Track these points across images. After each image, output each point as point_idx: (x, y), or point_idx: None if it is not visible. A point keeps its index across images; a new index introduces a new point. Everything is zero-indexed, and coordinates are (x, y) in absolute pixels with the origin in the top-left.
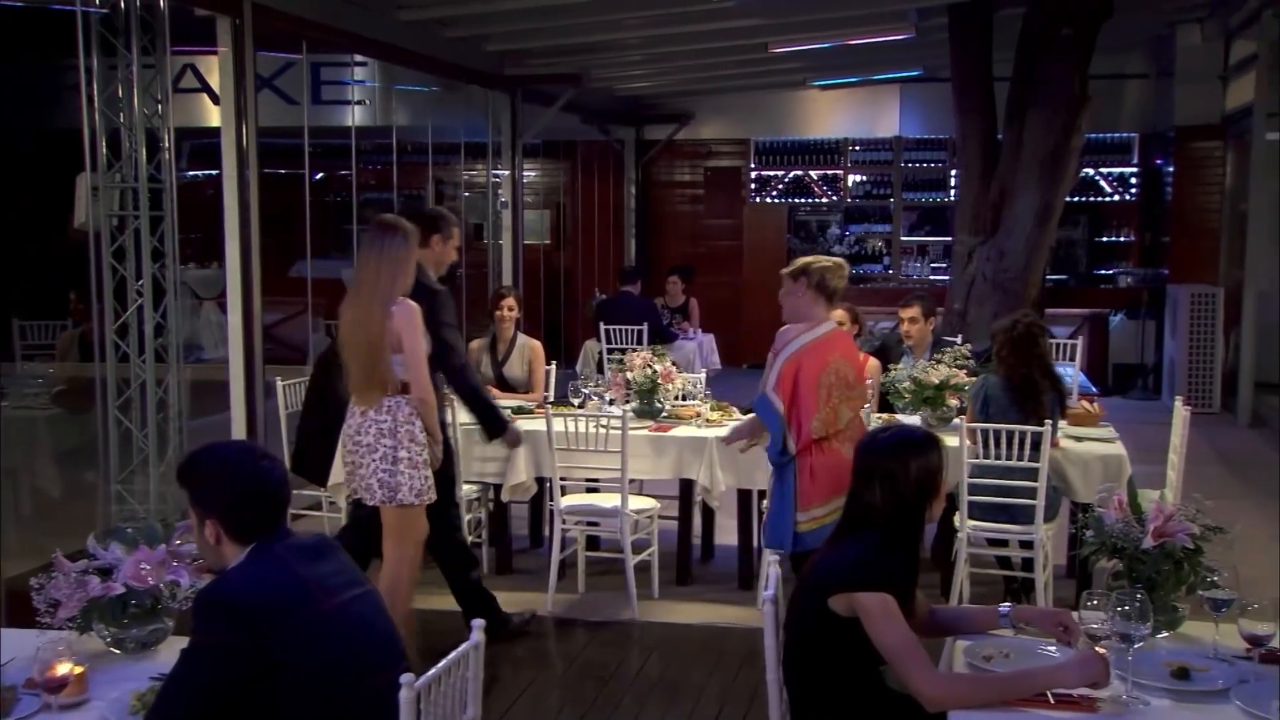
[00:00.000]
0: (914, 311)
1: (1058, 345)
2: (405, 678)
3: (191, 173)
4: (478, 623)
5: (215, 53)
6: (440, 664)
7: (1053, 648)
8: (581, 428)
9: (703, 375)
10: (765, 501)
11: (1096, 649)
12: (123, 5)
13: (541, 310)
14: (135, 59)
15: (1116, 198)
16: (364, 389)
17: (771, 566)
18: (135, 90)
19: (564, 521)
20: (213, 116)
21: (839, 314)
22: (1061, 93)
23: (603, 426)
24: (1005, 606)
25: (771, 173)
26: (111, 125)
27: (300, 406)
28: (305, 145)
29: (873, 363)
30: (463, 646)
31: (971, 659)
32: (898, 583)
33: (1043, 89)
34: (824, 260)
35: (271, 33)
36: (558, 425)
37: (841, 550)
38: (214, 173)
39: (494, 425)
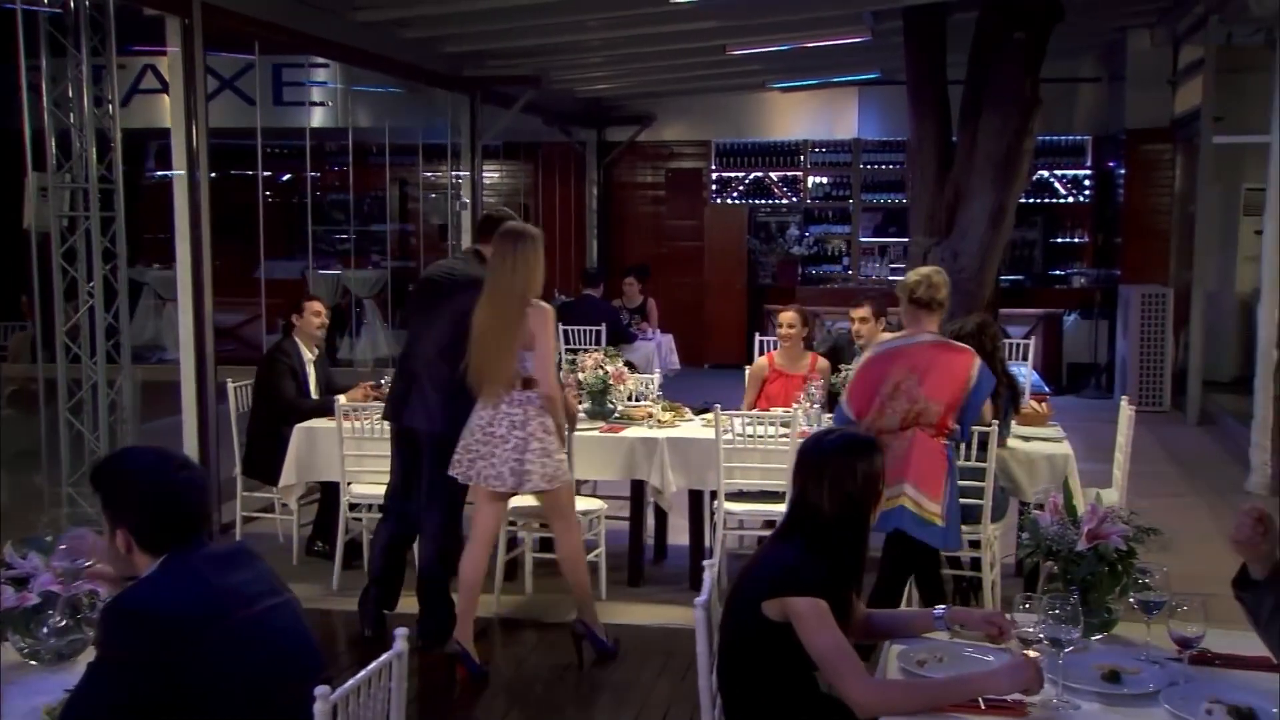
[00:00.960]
0: (864, 311)
1: (1012, 344)
2: (320, 690)
3: (160, 173)
4: (400, 631)
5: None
6: (360, 674)
7: (989, 654)
8: None
9: (655, 376)
10: (716, 501)
11: (1028, 653)
12: (72, 4)
13: None
14: (85, 58)
15: (1070, 199)
16: (493, 383)
17: (707, 572)
18: (85, 90)
19: (513, 523)
20: None
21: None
22: (1014, 96)
23: None
24: (940, 609)
25: (732, 174)
26: (61, 125)
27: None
28: (259, 146)
29: (823, 363)
30: (385, 656)
31: (905, 664)
32: (832, 587)
33: (995, 92)
34: (918, 272)
35: (223, 33)
36: None
37: (778, 552)
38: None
39: None
